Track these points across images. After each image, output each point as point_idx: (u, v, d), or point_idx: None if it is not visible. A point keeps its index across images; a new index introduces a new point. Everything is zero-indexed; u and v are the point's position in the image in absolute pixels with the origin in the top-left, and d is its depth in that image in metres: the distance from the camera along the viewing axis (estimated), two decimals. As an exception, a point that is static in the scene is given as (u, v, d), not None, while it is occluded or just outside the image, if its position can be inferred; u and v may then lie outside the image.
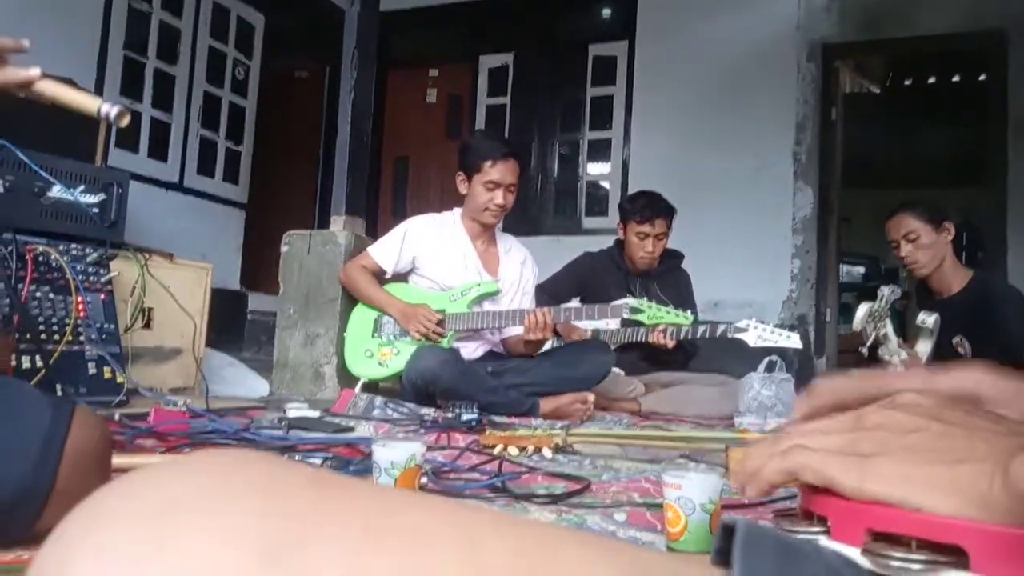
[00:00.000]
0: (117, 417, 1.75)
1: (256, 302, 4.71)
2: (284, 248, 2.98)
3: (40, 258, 1.83)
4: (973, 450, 0.32)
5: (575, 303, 3.24)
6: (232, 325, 4.47)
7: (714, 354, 3.30)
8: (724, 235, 4.86)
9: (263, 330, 4.26)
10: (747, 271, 4.84)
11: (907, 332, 3.00)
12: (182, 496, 0.25)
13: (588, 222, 5.52)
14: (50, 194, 1.97)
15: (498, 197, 2.72)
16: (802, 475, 0.58)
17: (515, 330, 2.71)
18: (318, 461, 1.42)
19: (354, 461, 1.43)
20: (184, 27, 4.82)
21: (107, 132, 3.02)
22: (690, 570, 0.26)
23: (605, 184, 5.57)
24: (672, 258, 3.37)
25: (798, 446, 0.59)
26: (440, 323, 2.64)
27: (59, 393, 1.76)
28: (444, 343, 2.64)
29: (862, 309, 2.39)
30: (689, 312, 2.62)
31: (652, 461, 1.71)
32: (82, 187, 2.04)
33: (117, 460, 1.27)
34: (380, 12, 3.56)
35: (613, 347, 3.05)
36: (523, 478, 1.44)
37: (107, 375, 1.89)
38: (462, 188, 2.80)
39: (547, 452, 1.70)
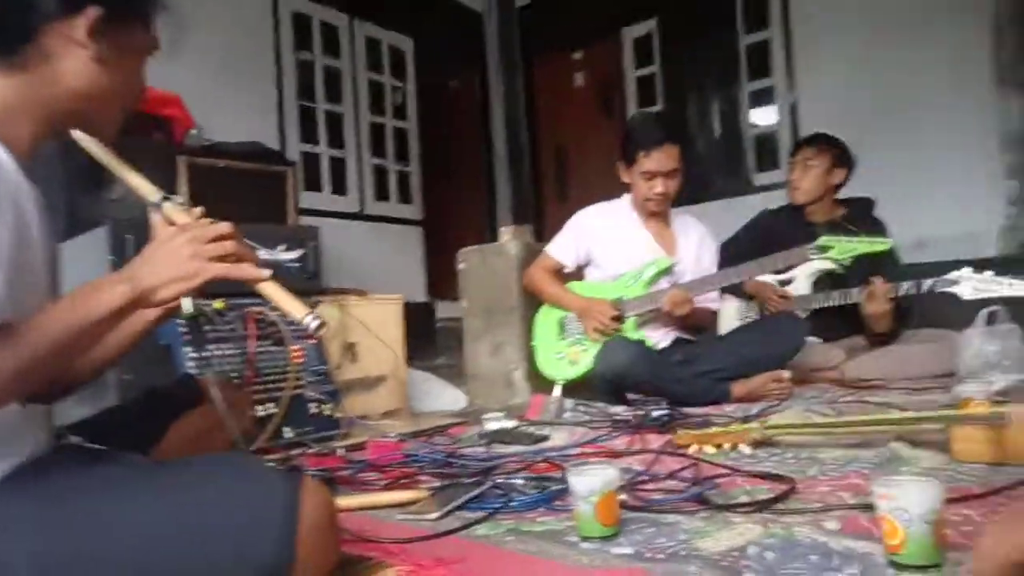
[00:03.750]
0: (340, 451, 1.95)
1: (443, 310, 4.99)
2: (461, 266, 3.14)
3: (259, 318, 2.08)
4: None
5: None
6: (424, 335, 4.76)
7: (922, 303, 2.98)
8: (919, 166, 4.38)
9: (453, 336, 4.50)
10: (952, 202, 4.32)
11: None
12: None
13: (760, 178, 5.22)
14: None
15: (657, 186, 2.66)
16: None
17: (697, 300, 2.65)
18: (520, 481, 1.50)
19: (554, 479, 1.48)
20: (344, 66, 5.19)
21: (294, 186, 3.33)
22: None
23: (774, 135, 5.22)
24: (862, 206, 3.06)
25: None
26: (617, 317, 2.63)
27: (290, 434, 2.00)
28: (628, 332, 2.63)
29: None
30: (885, 237, 2.42)
31: (862, 446, 1.62)
32: (283, 247, 2.30)
33: (347, 501, 1.43)
34: (517, 8, 3.61)
35: (805, 314, 2.87)
36: (723, 483, 1.42)
37: (326, 412, 2.12)
38: (624, 177, 2.77)
39: (745, 448, 1.66)
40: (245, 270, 0.98)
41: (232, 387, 1.48)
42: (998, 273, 2.40)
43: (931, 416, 1.53)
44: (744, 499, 1.30)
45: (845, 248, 2.44)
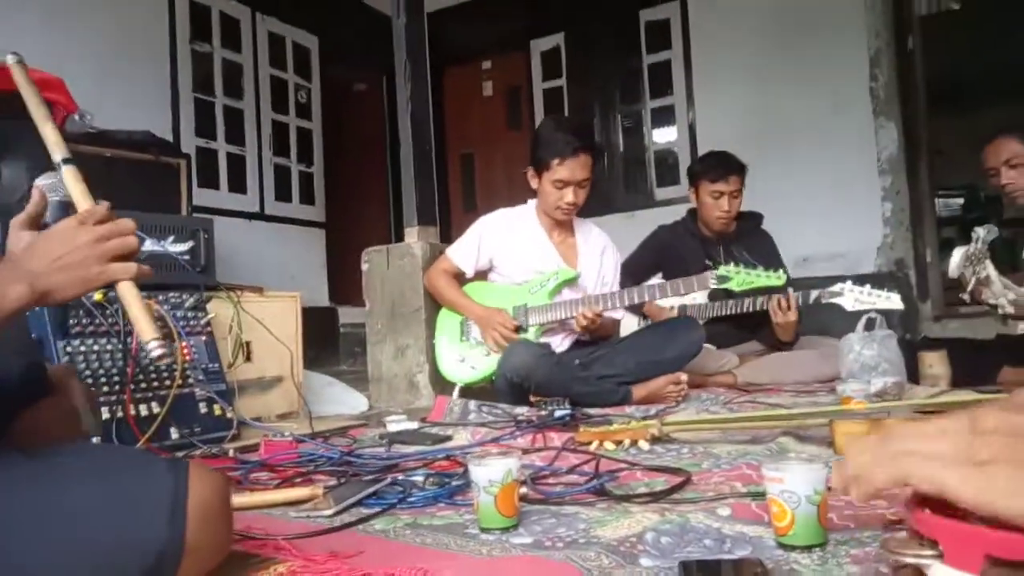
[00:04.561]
0: (231, 452, 1.85)
1: (346, 315, 4.86)
2: (364, 266, 3.06)
3: (143, 311, 1.95)
4: None
5: (657, 280, 3.17)
6: (326, 340, 4.63)
7: (808, 313, 3.16)
8: (805, 187, 4.66)
9: (356, 342, 4.40)
10: (834, 221, 4.62)
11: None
12: None
13: (660, 193, 5.40)
14: (144, 248, 2.10)
15: (568, 195, 2.62)
16: (914, 483, 0.54)
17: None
18: (420, 478, 1.46)
19: (455, 475, 1.46)
20: (245, 61, 5.00)
21: (188, 179, 3.16)
22: None
23: (674, 152, 5.42)
24: (751, 220, 3.24)
25: (908, 452, 0.55)
26: (516, 329, 2.62)
27: (176, 435, 1.88)
28: (531, 338, 2.63)
29: (957, 254, 2.23)
30: (781, 272, 2.53)
31: (753, 442, 1.68)
32: (171, 238, 2.17)
33: (238, 500, 1.35)
34: (427, 14, 3.58)
35: (702, 321, 2.98)
36: (622, 476, 1.44)
37: (217, 412, 2.01)
38: (532, 183, 2.74)
39: (644, 444, 1.69)
40: (140, 270, 0.92)
41: (82, 380, 1.37)
42: (874, 287, 2.59)
43: (815, 412, 1.61)
44: (642, 491, 1.32)
45: (743, 280, 2.52)
